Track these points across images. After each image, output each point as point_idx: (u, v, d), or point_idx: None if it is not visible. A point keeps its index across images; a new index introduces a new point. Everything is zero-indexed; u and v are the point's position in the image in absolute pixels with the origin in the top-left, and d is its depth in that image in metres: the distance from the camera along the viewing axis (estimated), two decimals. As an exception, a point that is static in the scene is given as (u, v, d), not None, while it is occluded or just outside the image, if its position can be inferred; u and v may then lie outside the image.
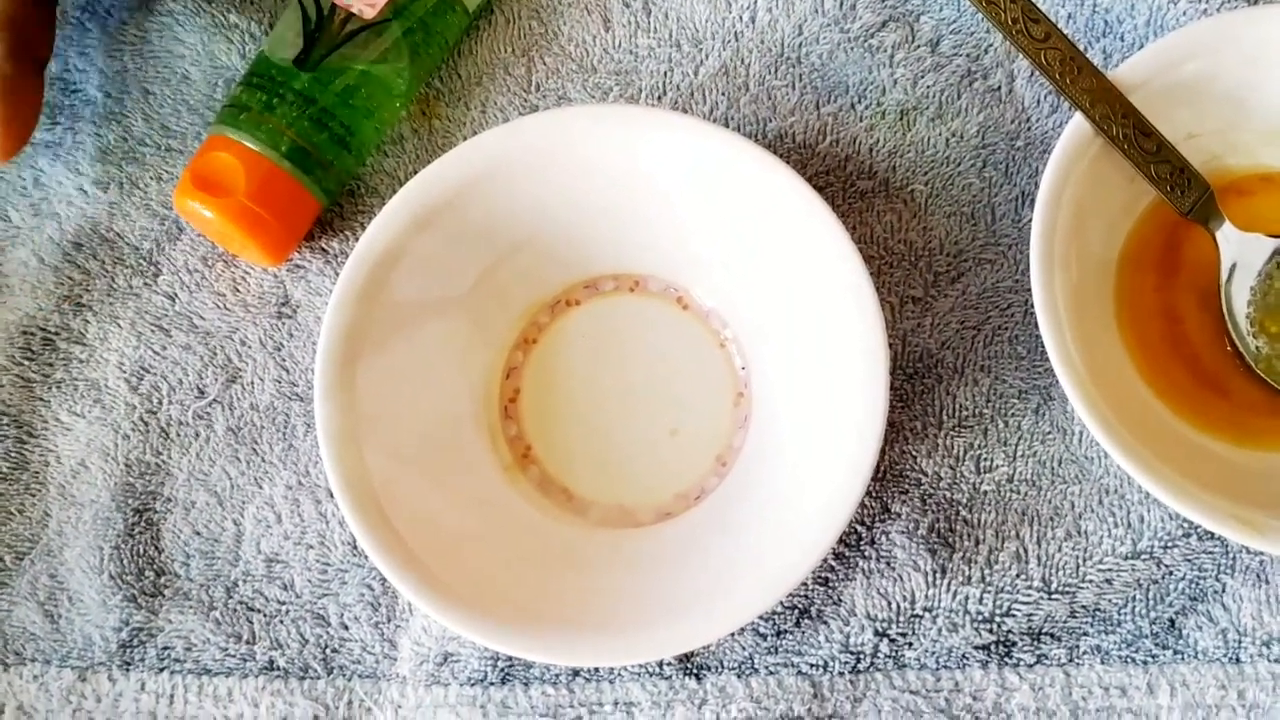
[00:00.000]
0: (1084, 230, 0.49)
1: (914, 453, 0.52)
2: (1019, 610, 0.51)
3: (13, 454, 0.56)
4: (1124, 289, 0.52)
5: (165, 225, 0.57)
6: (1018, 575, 0.51)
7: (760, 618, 0.51)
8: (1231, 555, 0.51)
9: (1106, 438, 0.45)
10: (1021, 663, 0.50)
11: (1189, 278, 0.52)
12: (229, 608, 0.53)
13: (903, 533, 0.52)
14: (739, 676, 0.51)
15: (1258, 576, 0.51)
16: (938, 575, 0.51)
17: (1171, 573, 0.51)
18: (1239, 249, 0.50)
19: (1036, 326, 0.47)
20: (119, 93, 0.59)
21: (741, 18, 0.57)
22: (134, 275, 0.57)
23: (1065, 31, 0.55)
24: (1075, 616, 0.51)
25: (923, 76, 0.56)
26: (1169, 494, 0.45)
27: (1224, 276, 0.50)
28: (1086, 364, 0.47)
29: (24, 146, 0.53)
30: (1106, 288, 0.51)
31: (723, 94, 0.56)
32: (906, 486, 0.52)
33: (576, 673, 0.51)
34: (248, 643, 0.53)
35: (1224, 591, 0.51)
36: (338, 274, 0.50)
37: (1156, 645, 0.51)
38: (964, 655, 0.51)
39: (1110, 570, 0.51)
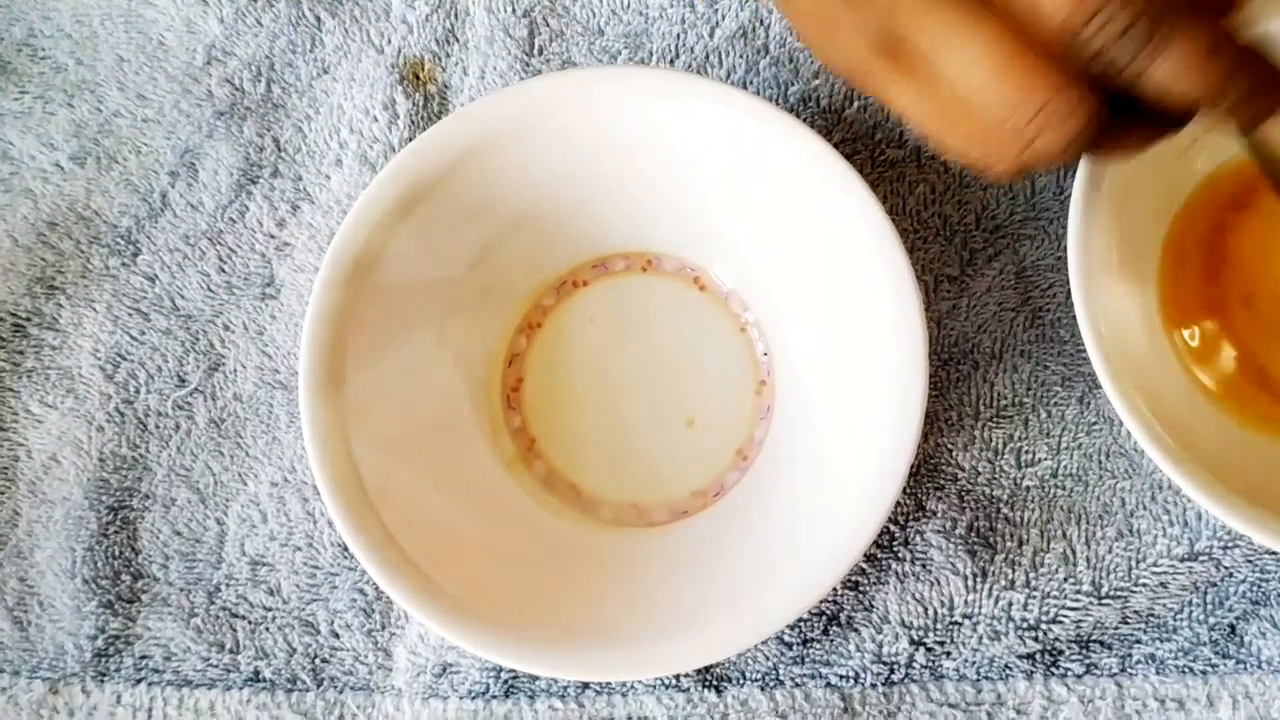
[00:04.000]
0: (1127, 209, 0.46)
1: (950, 445, 0.50)
2: (1066, 616, 0.48)
3: (-21, 448, 0.53)
4: (1168, 275, 0.49)
5: (146, 202, 0.54)
6: (1065, 578, 0.48)
7: (786, 625, 0.48)
8: (1297, 555, 0.48)
9: (1146, 437, 0.43)
10: (1069, 673, 0.48)
11: (1236, 268, 0.49)
12: (211, 614, 0.51)
13: (939, 532, 0.49)
14: (762, 689, 0.49)
15: (1326, 579, 0.48)
16: (978, 579, 0.49)
17: (1232, 575, 0.48)
18: None
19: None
20: (91, 60, 0.56)
21: (761, -26, 0.53)
22: (111, 255, 0.54)
23: None
24: (1127, 623, 0.48)
25: (957, 37, 0.52)
26: (1213, 501, 0.42)
27: None
28: (1126, 357, 0.44)
29: None
30: (1150, 273, 0.49)
31: (740, 57, 0.53)
32: (942, 482, 0.49)
33: (586, 685, 0.49)
34: (231, 652, 0.51)
35: (1288, 595, 0.48)
36: (324, 251, 0.47)
37: (1216, 654, 0.48)
38: (1007, 665, 0.48)
39: (1165, 573, 0.48)
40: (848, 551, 0.43)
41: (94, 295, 0.54)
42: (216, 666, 0.50)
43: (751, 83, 0.53)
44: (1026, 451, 0.50)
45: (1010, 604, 0.48)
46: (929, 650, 0.48)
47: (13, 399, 0.53)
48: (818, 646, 0.49)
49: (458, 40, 0.54)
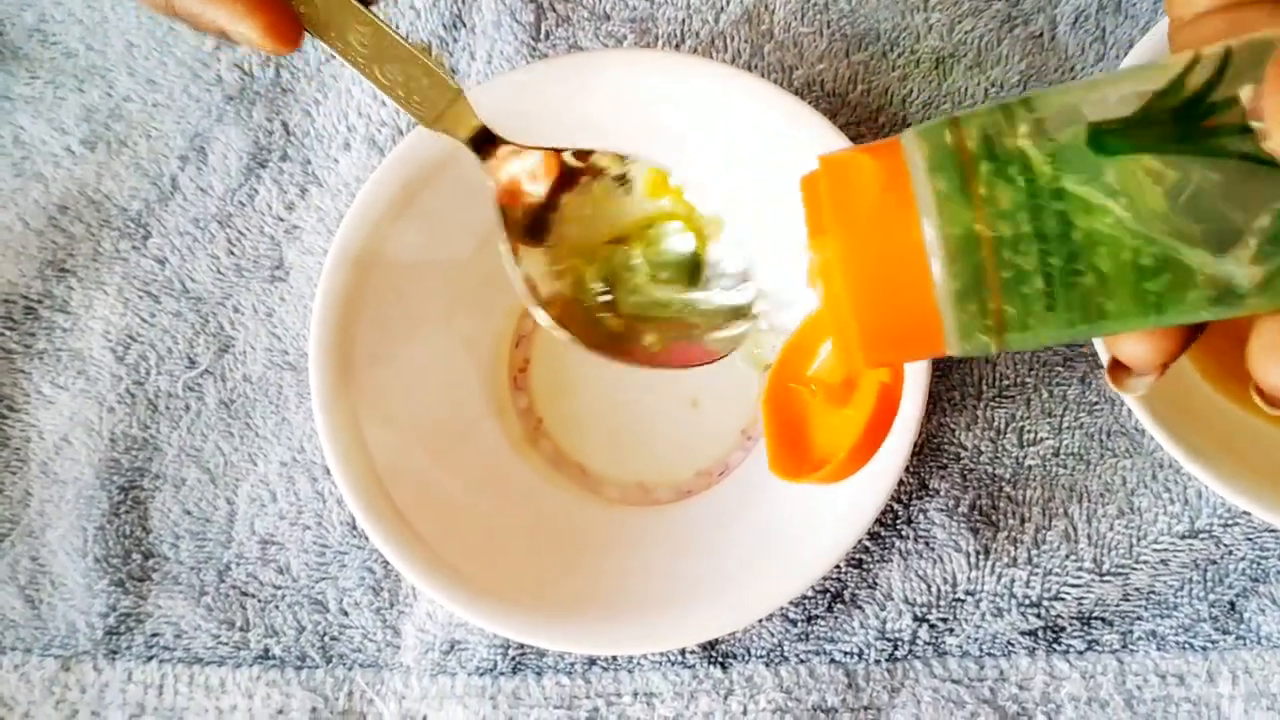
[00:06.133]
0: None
1: (952, 425, 0.50)
2: (1068, 593, 0.48)
3: (-9, 429, 0.53)
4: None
5: (156, 185, 0.54)
6: (1067, 556, 0.48)
7: (790, 602, 0.48)
8: (1296, 533, 0.48)
9: (1148, 416, 0.43)
10: (1071, 649, 0.48)
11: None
12: (221, 592, 0.51)
13: (942, 510, 0.49)
14: (767, 665, 0.48)
15: (1326, 556, 0.48)
16: (980, 556, 0.48)
17: (1231, 552, 0.48)
18: None
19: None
20: (101, 45, 0.55)
21: (766, -41, 0.53)
22: (121, 238, 0.54)
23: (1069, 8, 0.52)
24: (1129, 600, 0.48)
25: (960, 21, 0.52)
26: (1215, 478, 0.42)
27: None
28: None
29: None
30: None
31: (745, 41, 0.53)
32: (945, 461, 0.49)
33: (593, 661, 0.49)
34: (241, 630, 0.50)
35: (1288, 572, 0.48)
36: (333, 234, 0.47)
37: (1216, 630, 0.48)
38: (1009, 642, 0.48)
39: (1166, 550, 0.48)
40: (850, 529, 0.43)
41: (105, 278, 0.54)
42: (227, 644, 0.50)
43: (756, 66, 0.53)
44: (1029, 431, 0.49)
45: (1013, 581, 0.48)
46: (932, 627, 0.48)
47: (24, 380, 0.53)
48: (822, 623, 0.49)
49: (465, 25, 0.54)
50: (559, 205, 0.40)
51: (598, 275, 0.41)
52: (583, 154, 0.40)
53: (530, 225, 0.40)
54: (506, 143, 0.39)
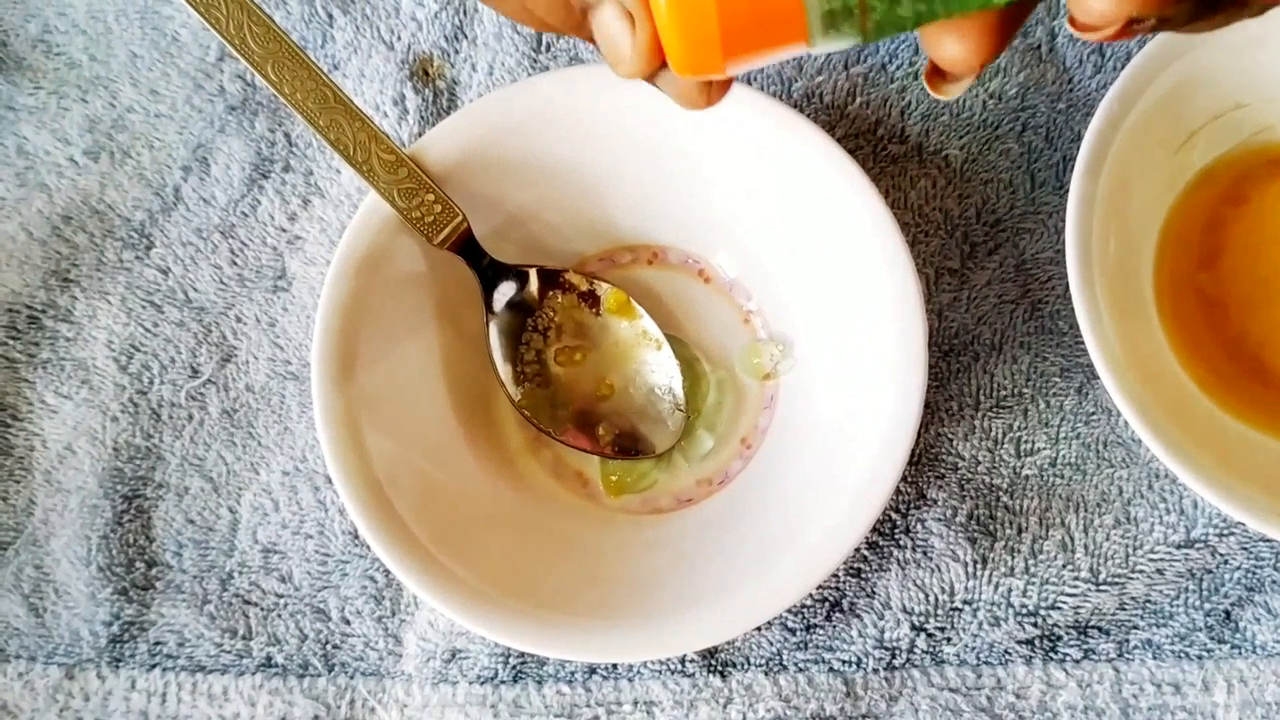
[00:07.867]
0: (1125, 202, 0.46)
1: (950, 435, 0.50)
2: (1065, 603, 0.48)
3: (-4, 438, 0.53)
4: (1164, 268, 0.49)
5: (159, 196, 0.54)
6: (1063, 565, 0.48)
7: (789, 611, 0.49)
8: (1291, 543, 0.48)
9: (1144, 427, 0.43)
10: (1068, 658, 0.48)
11: (1231, 261, 0.49)
12: (224, 601, 0.51)
13: (940, 520, 0.49)
14: (766, 674, 0.49)
15: (1320, 566, 0.48)
16: (978, 565, 0.49)
17: (1227, 562, 0.48)
18: None
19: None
20: (105, 56, 0.56)
21: (765, -28, 0.54)
22: (125, 248, 0.54)
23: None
24: (1125, 609, 0.48)
25: (958, 34, 0.52)
26: (1209, 489, 0.43)
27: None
28: (1124, 348, 0.44)
29: None
30: (1146, 265, 0.49)
31: (745, 53, 0.53)
32: (943, 471, 0.49)
33: (593, 670, 0.49)
34: (244, 638, 0.51)
35: (1283, 582, 0.48)
36: (335, 244, 0.47)
37: (1212, 639, 0.48)
38: (1006, 651, 0.48)
39: (1162, 560, 0.48)
40: (848, 536, 0.43)
41: (108, 288, 0.54)
42: (229, 652, 0.50)
43: (755, 78, 0.53)
44: (1026, 441, 0.50)
45: (1010, 590, 0.48)
46: (930, 636, 0.48)
47: (28, 390, 0.53)
48: (821, 632, 0.49)
49: (466, 37, 0.55)
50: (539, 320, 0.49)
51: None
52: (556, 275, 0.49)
53: (515, 335, 0.49)
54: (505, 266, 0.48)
